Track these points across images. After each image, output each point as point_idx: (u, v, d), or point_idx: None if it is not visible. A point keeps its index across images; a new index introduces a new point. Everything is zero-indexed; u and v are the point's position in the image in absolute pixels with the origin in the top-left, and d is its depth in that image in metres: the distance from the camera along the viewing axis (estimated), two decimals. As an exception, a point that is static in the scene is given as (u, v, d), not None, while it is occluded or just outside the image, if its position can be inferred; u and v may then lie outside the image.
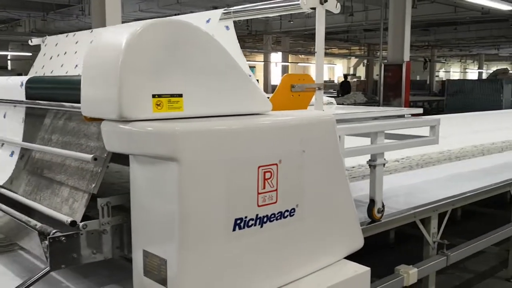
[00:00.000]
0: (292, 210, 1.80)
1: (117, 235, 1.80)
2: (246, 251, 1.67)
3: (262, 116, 1.80)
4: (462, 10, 15.66)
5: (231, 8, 2.56)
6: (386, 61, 11.86)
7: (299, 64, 36.24)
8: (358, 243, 2.11)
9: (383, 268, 2.98)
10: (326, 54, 40.99)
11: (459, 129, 6.13)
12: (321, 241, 1.93)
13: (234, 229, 1.62)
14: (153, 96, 1.54)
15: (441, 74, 38.25)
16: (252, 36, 23.45)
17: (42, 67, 3.59)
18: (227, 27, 2.56)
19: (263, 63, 27.05)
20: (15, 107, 2.35)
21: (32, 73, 3.64)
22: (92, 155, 1.77)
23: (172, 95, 1.58)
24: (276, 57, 27.33)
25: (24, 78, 2.25)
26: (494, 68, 27.43)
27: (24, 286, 1.70)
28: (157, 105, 1.56)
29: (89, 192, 1.78)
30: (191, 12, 17.27)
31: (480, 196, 3.54)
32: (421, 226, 3.14)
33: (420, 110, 3.05)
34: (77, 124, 2.02)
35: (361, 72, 35.81)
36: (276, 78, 27.06)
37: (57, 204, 1.90)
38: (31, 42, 4.19)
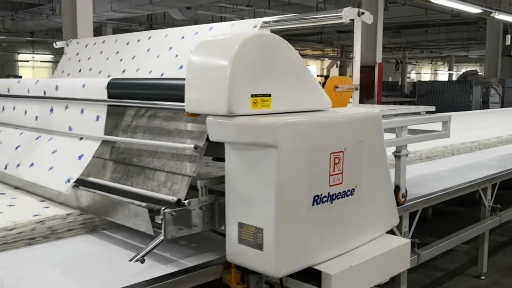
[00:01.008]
0: (353, 190, 2.16)
1: (209, 211, 2.15)
2: (321, 222, 2.03)
3: (329, 112, 2.18)
4: (432, 12, 15.96)
5: (271, 18, 2.82)
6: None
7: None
8: (395, 220, 2.52)
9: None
10: (301, 56, 41.33)
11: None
12: (371, 217, 2.29)
13: (313, 204, 1.99)
14: (252, 96, 1.92)
15: (413, 76, 38.87)
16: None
17: (77, 68, 3.87)
18: None
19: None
20: (93, 105, 2.63)
21: (59, 73, 4.00)
22: (193, 145, 2.13)
23: (264, 95, 1.95)
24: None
25: (106, 80, 2.57)
26: (463, 70, 28.04)
27: (144, 252, 2.03)
28: (254, 103, 1.93)
29: (189, 175, 2.16)
30: (164, 12, 17.15)
31: (450, 196, 3.59)
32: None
33: (433, 108, 3.36)
34: (163, 119, 2.42)
35: (335, 73, 36.13)
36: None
37: (154, 187, 2.27)
38: (56, 45, 4.38)
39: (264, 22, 2.74)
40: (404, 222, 3.22)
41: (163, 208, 2.04)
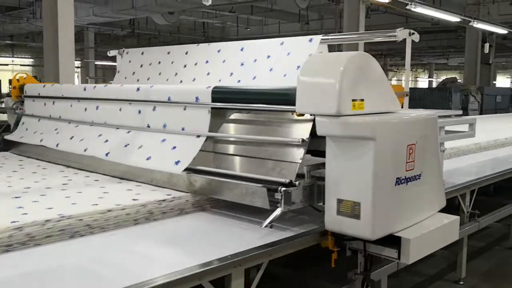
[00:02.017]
0: (419, 175, 2.67)
1: (310, 191, 2.70)
2: (399, 199, 2.56)
3: (402, 113, 2.73)
4: (413, 20, 16.16)
5: (329, 35, 3.50)
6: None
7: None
8: (443, 203, 2.99)
9: (337, 274, 3.00)
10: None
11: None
12: (430, 198, 2.84)
13: (395, 184, 2.52)
14: (352, 100, 2.44)
15: (394, 83, 39.29)
16: (209, 43, 23.39)
17: (133, 74, 4.54)
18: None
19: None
20: (199, 107, 3.20)
21: (119, 79, 4.62)
22: (300, 138, 2.69)
23: (360, 100, 2.47)
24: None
25: (211, 87, 3.16)
26: (443, 77, 28.42)
27: (269, 220, 2.58)
28: (353, 106, 2.44)
29: (297, 162, 2.68)
30: (146, 17, 17.08)
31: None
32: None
33: (460, 112, 3.80)
34: (266, 118, 3.03)
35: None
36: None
37: (262, 172, 2.79)
38: (109, 53, 4.86)
39: (323, 39, 3.41)
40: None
41: (280, 188, 2.56)
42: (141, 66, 4.50)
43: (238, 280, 2.27)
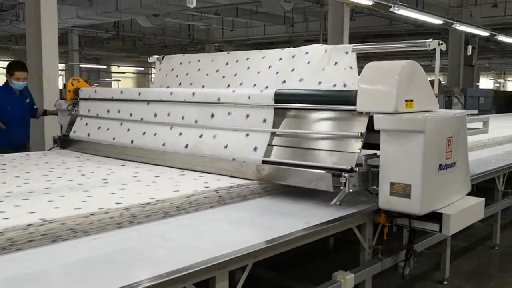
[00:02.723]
0: (454, 163, 3.19)
1: (366, 176, 3.12)
2: (440, 182, 3.06)
3: (441, 111, 3.29)
4: (397, 23, 16.32)
5: (360, 45, 3.98)
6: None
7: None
8: (469, 188, 3.50)
9: (322, 275, 3.02)
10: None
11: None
12: (460, 183, 3.35)
13: (438, 170, 3.03)
14: (406, 100, 2.96)
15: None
16: (194, 45, 23.35)
17: (176, 82, 4.86)
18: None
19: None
20: (261, 108, 3.64)
21: (158, 84, 5.03)
22: (359, 132, 3.12)
23: (410, 100, 3.00)
24: (218, 66, 27.31)
25: (273, 91, 3.61)
26: (428, 79, 28.66)
27: (336, 198, 3.02)
28: (406, 105, 2.96)
29: (356, 153, 3.12)
30: (131, 19, 16.99)
31: (272, 252, 3.56)
32: (357, 232, 3.21)
33: (476, 111, 4.22)
34: (321, 117, 3.43)
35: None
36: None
37: (325, 162, 3.23)
38: (150, 59, 5.31)
39: (354, 47, 3.76)
40: (368, 230, 3.26)
41: (343, 173, 3.01)
42: (187, 73, 4.84)
43: (222, 283, 2.27)
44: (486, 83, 38.29)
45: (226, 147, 3.69)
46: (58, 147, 5.10)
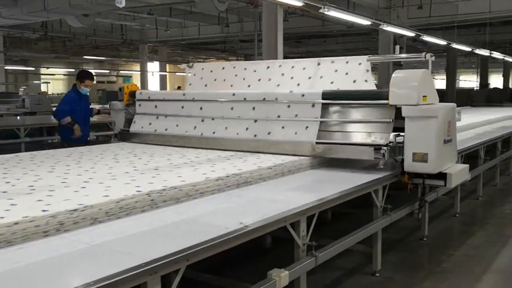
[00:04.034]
0: (451, 140, 4.55)
1: (394, 149, 4.34)
2: (444, 152, 4.37)
3: (442, 104, 4.63)
4: (329, 24, 16.71)
5: (372, 56, 5.25)
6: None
7: (177, 73, 35.95)
8: (456, 158, 4.89)
9: (258, 274, 3.03)
10: (204, 64, 40.53)
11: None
12: (453, 154, 4.73)
13: (443, 144, 4.34)
14: (423, 96, 4.32)
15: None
16: (127, 45, 22.86)
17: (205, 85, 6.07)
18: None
19: (139, 72, 26.42)
20: (312, 106, 4.81)
21: (190, 87, 6.18)
22: (390, 119, 4.42)
23: (425, 96, 4.35)
24: (153, 67, 26.84)
25: (321, 91, 4.83)
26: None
27: (381, 163, 4.33)
28: (423, 99, 4.31)
29: (388, 133, 4.37)
30: (60, 19, 16.38)
31: (344, 198, 3.74)
32: (291, 230, 3.25)
33: (454, 105, 4.88)
34: (364, 109, 4.65)
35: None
36: (153, 87, 26.56)
37: (362, 140, 4.51)
38: (181, 66, 6.53)
39: (367, 59, 5.10)
40: (302, 226, 3.31)
41: (382, 147, 4.26)
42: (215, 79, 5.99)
43: (154, 288, 2.24)
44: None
45: (285, 133, 4.85)
46: (118, 140, 6.01)
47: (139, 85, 26.19)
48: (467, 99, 20.13)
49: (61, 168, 4.03)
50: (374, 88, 5.06)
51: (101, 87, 26.91)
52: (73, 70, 31.76)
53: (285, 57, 11.95)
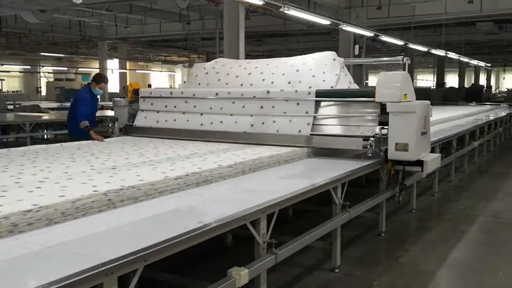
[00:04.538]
0: (426, 132, 5.20)
1: (379, 140, 4.98)
2: (421, 142, 5.07)
3: (419, 101, 5.22)
4: (291, 23, 16.82)
5: (347, 59, 6.35)
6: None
7: (137, 71, 35.46)
8: (430, 149, 5.56)
9: (218, 273, 3.03)
10: (166, 62, 40.13)
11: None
12: (427, 144, 5.42)
13: (420, 135, 5.00)
14: (404, 94, 4.97)
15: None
16: (86, 42, 22.38)
17: (218, 79, 6.49)
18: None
19: (98, 70, 25.88)
20: (307, 101, 5.46)
21: (193, 85, 6.64)
22: (376, 113, 5.10)
23: (405, 95, 5.00)
24: (113, 64, 26.36)
25: (314, 89, 5.49)
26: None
27: (368, 153, 5.00)
28: (404, 97, 4.98)
29: (374, 126, 5.03)
30: (15, 14, 15.87)
31: (304, 196, 3.77)
32: (251, 228, 3.26)
33: (428, 102, 5.47)
34: (353, 105, 5.33)
35: (201, 80, 36.24)
36: (113, 85, 26.09)
37: (352, 132, 5.14)
38: (185, 66, 7.80)
39: (345, 61, 6.21)
40: (262, 224, 3.33)
41: (370, 138, 4.93)
42: (217, 73, 6.51)
43: (111, 289, 2.21)
44: (375, 80, 40.63)
45: (282, 127, 5.48)
46: (122, 134, 6.61)
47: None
48: (425, 97, 20.62)
49: (14, 167, 3.92)
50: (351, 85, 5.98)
51: (59, 85, 26.26)
52: (29, 67, 30.93)
53: (246, 56, 11.97)
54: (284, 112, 5.50)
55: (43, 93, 29.80)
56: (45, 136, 13.24)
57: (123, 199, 3.13)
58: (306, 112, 5.39)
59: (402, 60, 5.46)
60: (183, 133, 6.00)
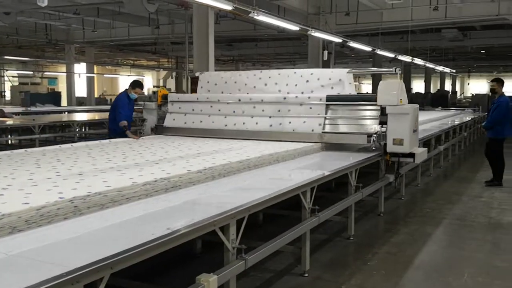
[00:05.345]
0: (416, 130, 6.49)
1: (380, 136, 6.17)
2: (413, 138, 6.29)
3: (411, 104, 6.49)
4: (261, 28, 16.86)
5: (354, 69, 7.64)
6: (192, 73, 12.12)
7: (105, 75, 34.97)
8: (418, 144, 6.66)
9: (187, 279, 3.00)
10: (135, 66, 39.66)
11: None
12: (416, 140, 6.56)
13: (413, 132, 6.22)
14: (400, 99, 6.19)
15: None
16: (53, 46, 21.97)
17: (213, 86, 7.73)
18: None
19: (65, 74, 25.41)
20: (319, 105, 6.65)
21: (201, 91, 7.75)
22: (378, 114, 6.29)
23: (401, 99, 6.21)
24: (80, 68, 25.92)
25: (325, 95, 6.67)
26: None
27: (372, 145, 6.22)
28: (400, 101, 6.19)
29: (376, 124, 6.25)
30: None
31: (273, 201, 3.77)
32: (220, 234, 3.24)
33: (417, 106, 6.61)
34: (355, 108, 6.57)
35: (171, 84, 36.13)
36: (80, 89, 25.66)
37: (357, 130, 6.40)
38: (192, 74, 8.64)
39: (348, 72, 6.95)
40: (231, 230, 3.32)
41: (374, 134, 6.07)
42: (225, 82, 7.59)
43: (77, 297, 2.17)
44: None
45: (298, 126, 6.59)
46: (154, 133, 7.58)
47: (65, 87, 25.28)
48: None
49: (-23, 174, 3.82)
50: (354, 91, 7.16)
51: (24, 89, 25.68)
52: (-6, 70, 30.11)
53: (216, 60, 11.95)
54: (299, 114, 6.64)
55: (7, 97, 29.10)
56: (9, 142, 12.91)
57: (89, 206, 3.07)
58: (318, 114, 6.50)
59: (395, 71, 6.64)
60: (209, 132, 7.01)
